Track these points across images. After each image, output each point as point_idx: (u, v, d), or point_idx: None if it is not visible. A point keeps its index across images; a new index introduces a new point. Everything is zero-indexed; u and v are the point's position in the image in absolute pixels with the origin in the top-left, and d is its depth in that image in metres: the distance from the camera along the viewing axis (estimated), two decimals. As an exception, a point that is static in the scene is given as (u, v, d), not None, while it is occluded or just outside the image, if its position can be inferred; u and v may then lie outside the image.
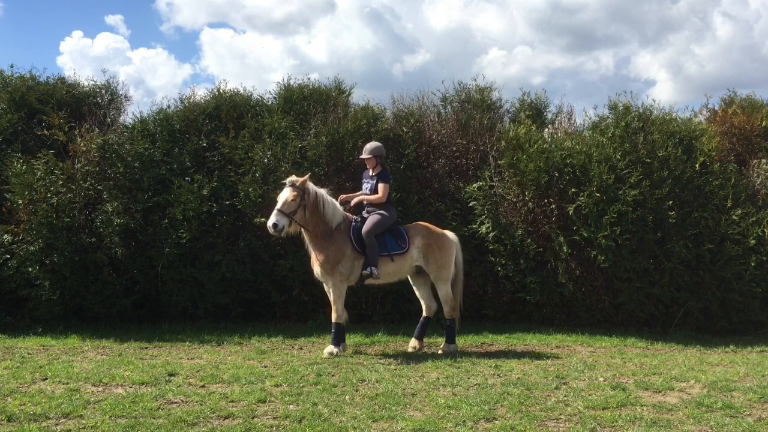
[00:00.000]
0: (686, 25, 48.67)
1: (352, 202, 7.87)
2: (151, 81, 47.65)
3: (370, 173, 7.87)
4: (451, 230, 9.59)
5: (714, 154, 9.30)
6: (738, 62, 42.02)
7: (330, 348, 7.41)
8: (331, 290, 7.57)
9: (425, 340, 8.11)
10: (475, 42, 48.68)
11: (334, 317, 7.51)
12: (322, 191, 7.54)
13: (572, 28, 51.26)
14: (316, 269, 7.59)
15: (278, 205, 7.25)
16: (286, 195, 7.29)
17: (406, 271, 7.82)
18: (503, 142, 9.83)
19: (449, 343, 7.78)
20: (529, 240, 9.35)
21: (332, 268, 7.43)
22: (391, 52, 47.63)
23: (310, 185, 7.45)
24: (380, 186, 7.70)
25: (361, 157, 7.94)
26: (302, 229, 7.46)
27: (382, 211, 7.68)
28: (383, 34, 49.72)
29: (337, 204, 7.67)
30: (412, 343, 7.85)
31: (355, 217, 7.74)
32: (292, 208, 7.24)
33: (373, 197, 7.75)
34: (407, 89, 12.28)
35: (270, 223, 7.17)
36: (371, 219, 7.60)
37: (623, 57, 51.69)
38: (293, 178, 7.43)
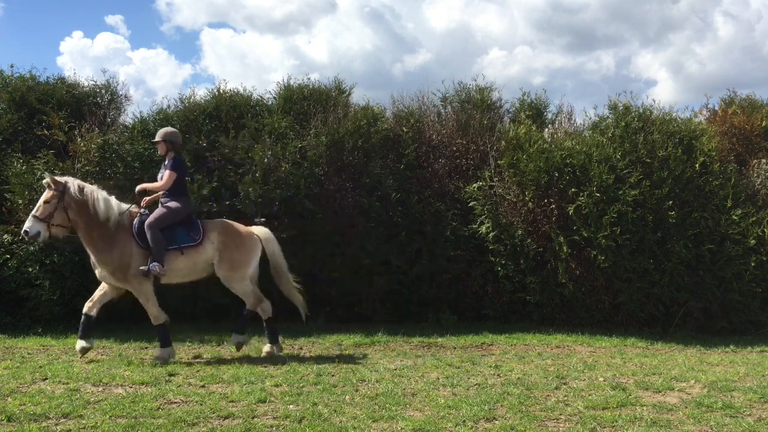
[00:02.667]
0: (687, 25, 48.71)
1: (144, 202, 7.17)
2: (151, 81, 47.67)
3: (166, 161, 7.23)
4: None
5: (714, 154, 9.29)
6: (739, 62, 42.09)
7: (159, 352, 6.92)
8: (136, 295, 6.97)
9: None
10: (476, 42, 48.70)
11: (153, 321, 7.02)
12: (92, 187, 6.87)
13: (573, 27, 51.29)
14: (99, 273, 6.93)
15: (33, 210, 6.67)
16: (42, 198, 6.69)
17: (202, 268, 7.12)
18: (503, 142, 9.83)
19: (238, 334, 7.29)
20: (529, 240, 9.35)
21: (124, 274, 6.77)
22: (391, 52, 47.64)
23: (72, 183, 6.75)
24: (167, 173, 7.05)
25: (153, 140, 7.46)
26: (76, 231, 6.80)
27: (173, 203, 7.02)
28: (383, 33, 49.74)
29: (113, 199, 6.96)
30: (266, 349, 7.32)
31: (142, 210, 7.06)
32: (47, 211, 6.60)
33: (155, 184, 7.14)
34: (407, 89, 12.32)
35: (22, 230, 6.66)
36: (157, 210, 6.95)
37: (624, 57, 51.74)
38: (47, 178, 6.73)
